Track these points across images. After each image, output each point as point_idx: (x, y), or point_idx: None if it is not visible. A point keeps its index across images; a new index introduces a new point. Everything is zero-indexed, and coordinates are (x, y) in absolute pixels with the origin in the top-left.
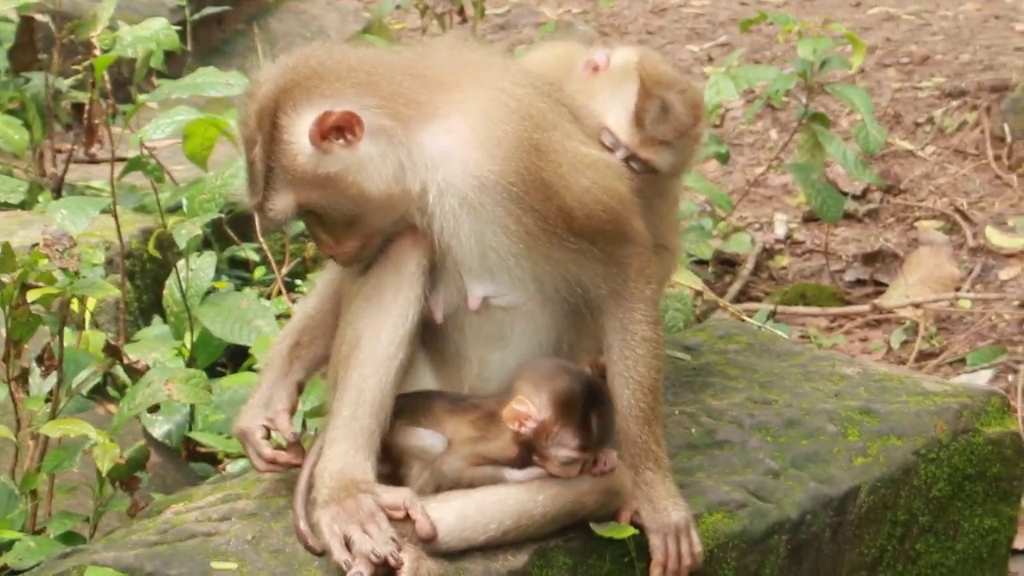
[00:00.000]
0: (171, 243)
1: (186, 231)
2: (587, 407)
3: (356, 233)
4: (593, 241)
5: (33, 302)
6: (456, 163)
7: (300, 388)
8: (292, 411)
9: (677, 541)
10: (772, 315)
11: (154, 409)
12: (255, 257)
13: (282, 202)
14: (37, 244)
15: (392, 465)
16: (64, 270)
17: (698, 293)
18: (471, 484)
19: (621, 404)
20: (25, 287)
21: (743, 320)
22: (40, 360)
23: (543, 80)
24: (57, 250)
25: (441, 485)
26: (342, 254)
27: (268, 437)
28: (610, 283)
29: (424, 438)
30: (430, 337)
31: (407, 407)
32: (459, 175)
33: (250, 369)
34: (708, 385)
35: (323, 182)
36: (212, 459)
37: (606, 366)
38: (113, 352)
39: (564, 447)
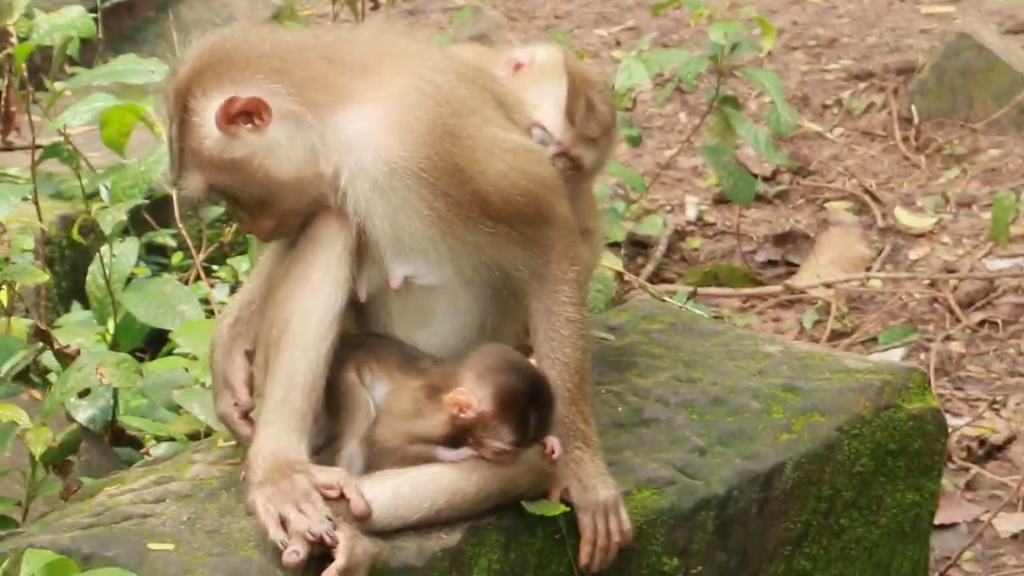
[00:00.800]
0: (91, 229)
1: (111, 217)
2: (528, 406)
3: (270, 212)
4: (511, 225)
5: None
6: (368, 148)
7: (249, 357)
8: (249, 380)
9: (606, 518)
10: (692, 296)
11: (84, 393)
12: (172, 243)
13: (194, 182)
14: None
15: (330, 420)
16: None
17: (619, 274)
18: (403, 459)
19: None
20: None
21: (664, 300)
22: None
23: (468, 66)
24: None
25: (373, 452)
26: (259, 231)
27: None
28: (531, 266)
29: (368, 374)
30: (357, 316)
31: (361, 348)
32: (371, 159)
33: (170, 353)
34: (633, 364)
35: (230, 165)
36: (136, 443)
37: (533, 347)
38: (43, 337)
39: (499, 440)
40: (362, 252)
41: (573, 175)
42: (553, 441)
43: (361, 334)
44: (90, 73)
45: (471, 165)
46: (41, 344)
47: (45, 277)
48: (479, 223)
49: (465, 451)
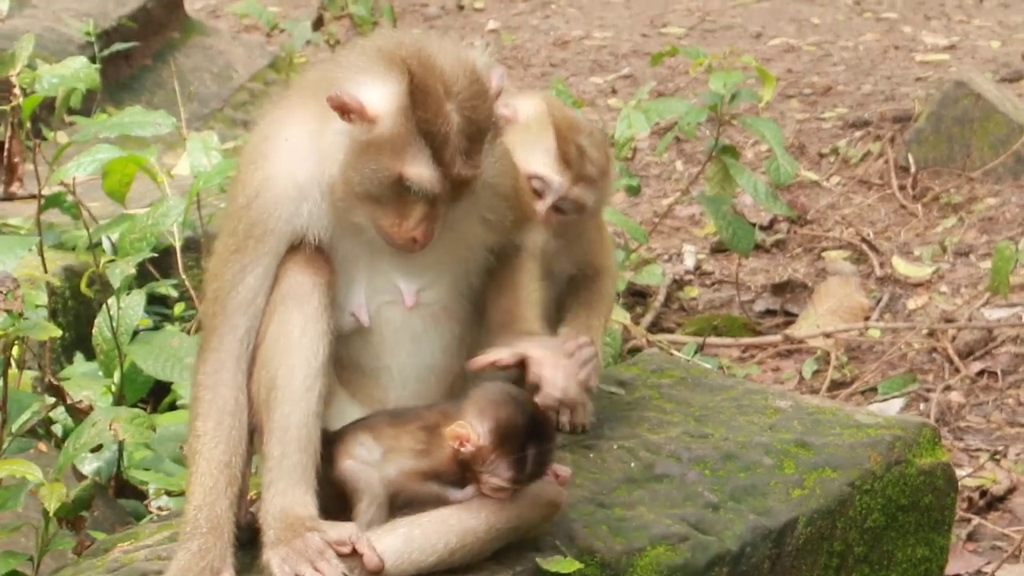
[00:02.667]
0: (95, 280)
1: (120, 270)
2: (527, 441)
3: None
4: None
5: None
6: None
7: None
8: None
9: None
10: (700, 348)
11: (97, 448)
12: (174, 293)
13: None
14: None
15: (341, 499)
16: (8, 312)
17: (626, 328)
18: (415, 499)
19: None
20: None
21: (672, 354)
22: None
23: None
24: (1, 291)
25: (390, 496)
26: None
27: None
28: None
29: (360, 447)
30: (344, 350)
31: (347, 434)
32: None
33: (172, 404)
34: (644, 419)
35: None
36: (141, 495)
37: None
38: (55, 392)
39: (496, 476)
40: (361, 277)
41: (578, 216)
42: (560, 468)
43: (343, 427)
44: (97, 125)
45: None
46: (54, 399)
47: (58, 332)
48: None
49: (471, 490)
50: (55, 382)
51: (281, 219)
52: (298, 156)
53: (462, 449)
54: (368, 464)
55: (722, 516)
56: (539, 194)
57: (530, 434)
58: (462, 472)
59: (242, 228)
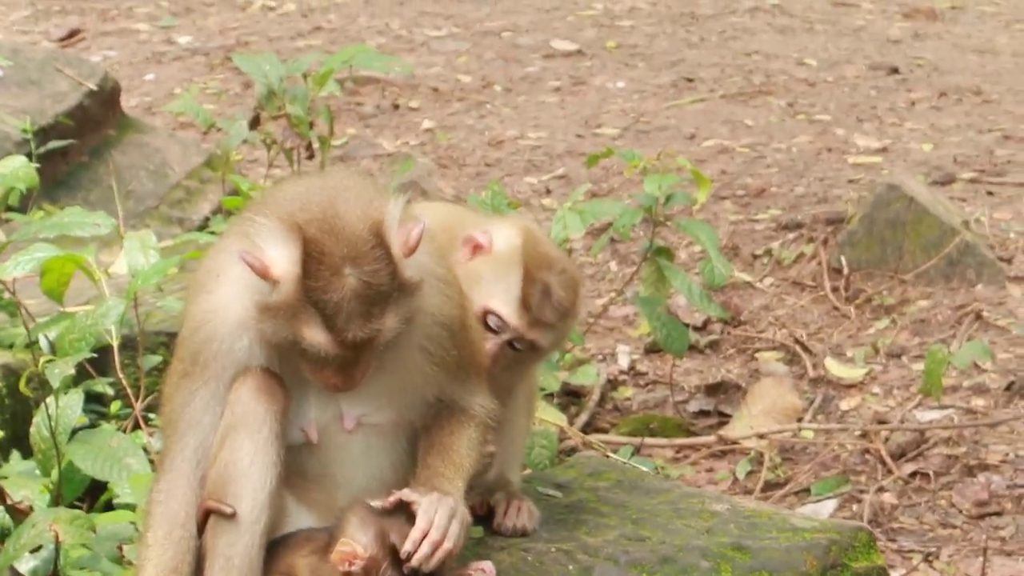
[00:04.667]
0: (31, 378)
1: (59, 371)
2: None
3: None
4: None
5: None
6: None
7: None
8: None
9: (445, 515)
10: (637, 451)
11: (37, 549)
12: (110, 391)
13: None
14: None
15: None
16: None
17: (561, 429)
18: None
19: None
20: None
21: (608, 456)
22: None
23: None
24: None
25: None
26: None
27: None
28: (463, 400)
29: None
30: (294, 460)
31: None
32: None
33: (108, 502)
34: (582, 522)
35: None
36: None
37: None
38: None
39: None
40: (310, 396)
41: (532, 354)
42: (483, 564)
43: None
44: (37, 224)
45: (469, 320)
46: None
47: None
48: (462, 369)
49: None
50: None
51: (222, 349)
52: (237, 291)
53: (352, 568)
54: None
55: None
56: (493, 330)
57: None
58: None
59: (188, 355)
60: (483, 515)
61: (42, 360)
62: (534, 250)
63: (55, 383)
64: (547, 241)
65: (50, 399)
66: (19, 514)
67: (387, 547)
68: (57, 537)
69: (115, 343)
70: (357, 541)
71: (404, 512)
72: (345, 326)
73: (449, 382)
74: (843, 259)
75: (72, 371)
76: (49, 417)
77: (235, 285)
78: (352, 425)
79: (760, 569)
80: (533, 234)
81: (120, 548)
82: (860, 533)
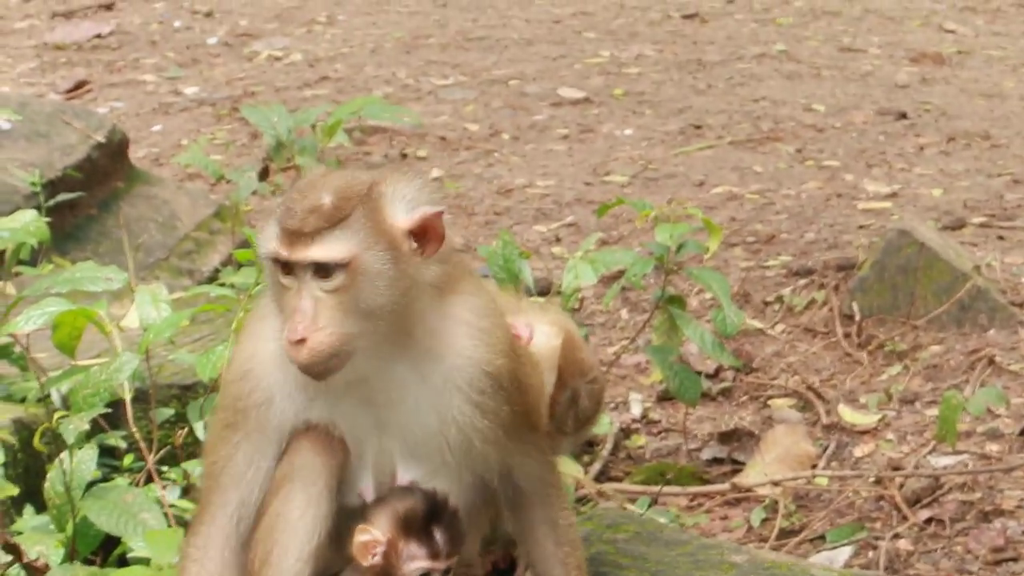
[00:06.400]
0: (43, 433)
1: (74, 426)
2: (429, 519)
3: (348, 324)
4: (534, 433)
5: None
6: (471, 343)
7: None
8: None
9: None
10: (654, 502)
11: None
12: (123, 444)
13: (339, 249)
14: None
15: None
16: None
17: (577, 480)
18: None
19: None
20: None
21: (625, 508)
22: None
23: None
24: None
25: None
26: (321, 340)
27: None
28: (537, 472)
29: None
30: (350, 520)
31: None
32: (457, 360)
33: (122, 556)
34: (602, 575)
35: (389, 261)
36: None
37: (533, 553)
38: (12, 550)
39: (414, 559)
40: (368, 455)
41: None
42: None
43: None
44: (49, 279)
45: (525, 377)
46: (12, 558)
47: (15, 491)
48: (518, 431)
49: None
50: (11, 540)
51: (265, 397)
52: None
53: (374, 557)
54: None
55: None
56: None
57: (431, 514)
58: None
59: (230, 403)
60: (505, 568)
61: (56, 415)
62: (571, 356)
63: (70, 439)
64: (583, 345)
65: (64, 454)
66: (36, 572)
67: (407, 528)
68: None
69: (128, 397)
70: (376, 527)
71: (420, 493)
72: (284, 216)
73: (511, 446)
74: (854, 305)
75: (87, 426)
76: (64, 472)
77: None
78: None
79: None
80: (572, 337)
81: None
82: None
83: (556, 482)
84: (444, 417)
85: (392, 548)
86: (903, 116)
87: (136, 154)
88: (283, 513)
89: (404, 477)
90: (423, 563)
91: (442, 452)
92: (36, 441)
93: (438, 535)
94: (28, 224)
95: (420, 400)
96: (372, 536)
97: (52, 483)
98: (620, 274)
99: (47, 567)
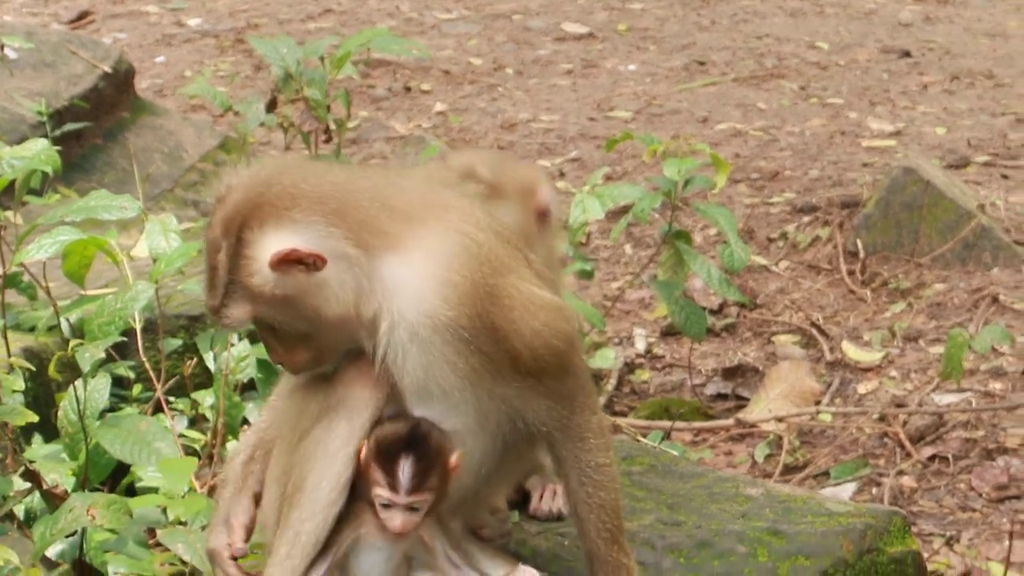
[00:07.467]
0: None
1: (89, 355)
2: (402, 451)
3: (308, 346)
4: (538, 378)
5: None
6: (412, 298)
7: (257, 500)
8: (251, 525)
9: None
10: (667, 435)
11: (73, 533)
12: (131, 375)
13: (238, 312)
14: None
15: None
16: None
17: None
18: None
19: (588, 528)
20: None
21: (639, 440)
22: None
23: (501, 224)
24: None
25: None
26: (292, 363)
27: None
28: (555, 417)
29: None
30: None
31: None
32: (413, 311)
33: (130, 486)
34: None
35: (279, 301)
36: None
37: (565, 494)
38: (31, 477)
39: (376, 485)
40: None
41: None
42: (529, 574)
43: None
44: (63, 208)
45: (507, 324)
46: (30, 485)
47: (35, 418)
48: (508, 377)
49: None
50: (31, 467)
51: None
52: None
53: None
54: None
55: None
56: None
57: (407, 444)
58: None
59: None
60: (519, 500)
61: (72, 344)
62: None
63: (85, 367)
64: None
65: (78, 382)
66: (55, 499)
67: (376, 454)
68: (98, 523)
69: (139, 327)
70: (364, 447)
71: (406, 424)
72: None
73: (509, 390)
74: (858, 242)
75: (102, 355)
76: (77, 400)
77: None
78: None
79: (796, 554)
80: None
81: (152, 532)
82: (895, 518)
83: (582, 422)
84: (418, 370)
85: (367, 469)
86: (907, 54)
87: (139, 85)
88: (324, 441)
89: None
90: (382, 492)
91: (445, 398)
92: (51, 369)
93: (404, 467)
94: (39, 153)
95: (397, 356)
96: (362, 453)
97: (65, 411)
98: (625, 209)
99: (66, 493)
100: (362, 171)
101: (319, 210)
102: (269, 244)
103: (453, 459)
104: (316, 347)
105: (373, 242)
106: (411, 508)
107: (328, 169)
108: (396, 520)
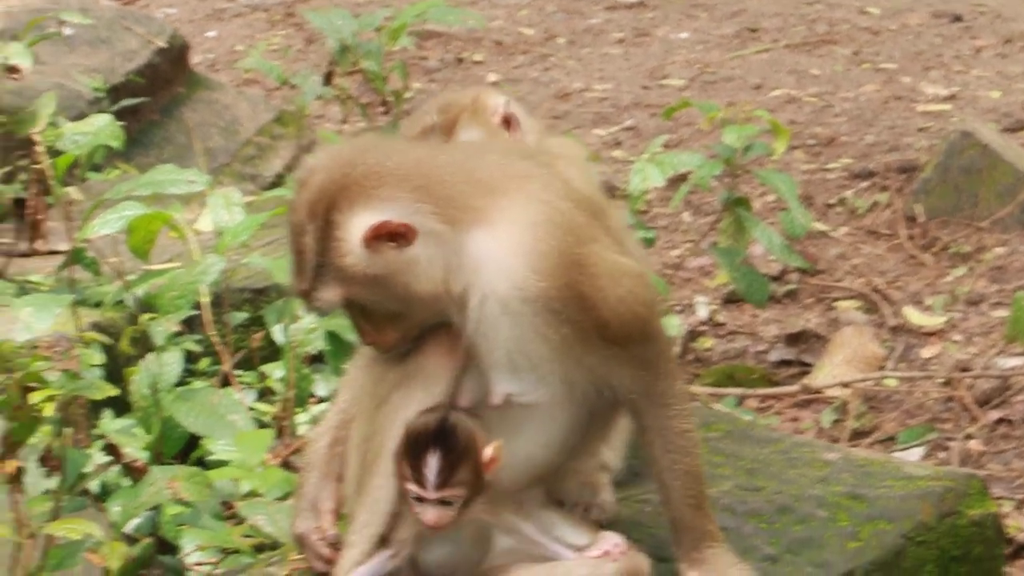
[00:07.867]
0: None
1: (163, 328)
2: (430, 446)
3: (398, 325)
4: (624, 347)
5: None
6: (502, 272)
7: (341, 482)
8: (338, 509)
9: None
10: (741, 402)
11: (154, 507)
12: (198, 349)
13: (329, 294)
14: (35, 345)
15: None
16: (65, 371)
17: None
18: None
19: (673, 495)
20: (26, 389)
21: (711, 408)
22: (44, 460)
23: (580, 193)
24: (58, 352)
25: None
26: (382, 343)
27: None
28: (640, 384)
29: None
30: None
31: None
32: (503, 284)
33: (200, 459)
34: None
35: (372, 280)
36: (173, 550)
37: (650, 462)
38: (112, 451)
39: (405, 480)
40: (467, 363)
41: None
42: (612, 542)
43: None
44: (130, 183)
45: (595, 292)
46: (110, 458)
47: (115, 391)
48: (596, 346)
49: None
50: (112, 441)
51: None
52: None
53: None
54: None
55: (781, 569)
56: None
57: (434, 439)
58: None
59: None
60: None
61: (145, 318)
62: None
63: (159, 341)
64: None
65: (150, 356)
66: (135, 472)
67: (406, 448)
68: (180, 496)
69: (206, 300)
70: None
71: (438, 418)
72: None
73: (594, 360)
74: (917, 207)
75: (174, 329)
76: (150, 374)
77: None
78: (499, 401)
79: (878, 518)
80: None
81: (230, 505)
82: (973, 481)
83: (665, 388)
84: (509, 342)
85: (399, 465)
86: (958, 19)
87: (191, 60)
88: (402, 408)
89: (497, 392)
90: (412, 487)
91: (532, 370)
92: (124, 344)
93: (431, 463)
94: (103, 128)
95: (488, 330)
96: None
97: (138, 385)
98: (683, 177)
99: (146, 467)
100: (441, 146)
101: (405, 187)
102: (360, 223)
103: (489, 451)
104: (406, 325)
105: (459, 217)
106: (443, 502)
107: (409, 146)
108: (429, 515)
